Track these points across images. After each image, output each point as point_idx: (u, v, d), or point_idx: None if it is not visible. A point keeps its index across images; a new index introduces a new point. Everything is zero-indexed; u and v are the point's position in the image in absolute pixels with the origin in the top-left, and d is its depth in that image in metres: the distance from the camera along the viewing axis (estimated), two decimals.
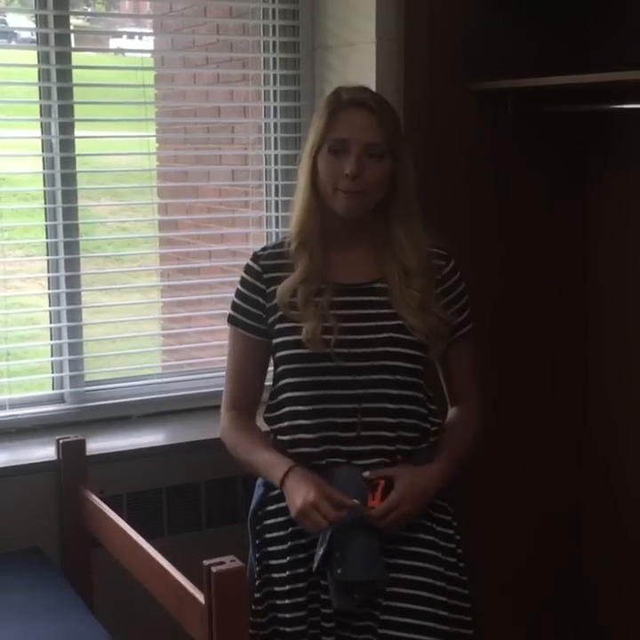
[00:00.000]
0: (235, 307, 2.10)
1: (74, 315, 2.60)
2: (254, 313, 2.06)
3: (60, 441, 2.36)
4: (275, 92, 2.80)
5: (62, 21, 2.51)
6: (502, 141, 2.70)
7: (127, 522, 2.18)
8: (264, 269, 2.06)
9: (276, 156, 2.82)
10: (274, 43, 2.78)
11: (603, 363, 2.85)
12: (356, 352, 1.95)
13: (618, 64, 2.42)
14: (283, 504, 1.97)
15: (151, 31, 3.15)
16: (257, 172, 2.84)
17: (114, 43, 3.37)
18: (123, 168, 3.02)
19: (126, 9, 3.38)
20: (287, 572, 2.00)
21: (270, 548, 2.04)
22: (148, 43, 3.31)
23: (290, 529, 1.99)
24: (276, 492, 2.01)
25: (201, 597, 1.78)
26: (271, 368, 2.12)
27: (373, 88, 2.57)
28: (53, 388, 2.64)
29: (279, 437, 2.03)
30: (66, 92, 2.53)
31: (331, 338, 1.94)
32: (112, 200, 3.26)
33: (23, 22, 3.00)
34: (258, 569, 2.07)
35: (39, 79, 2.53)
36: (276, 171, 2.82)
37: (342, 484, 1.92)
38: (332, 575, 1.91)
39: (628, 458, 2.78)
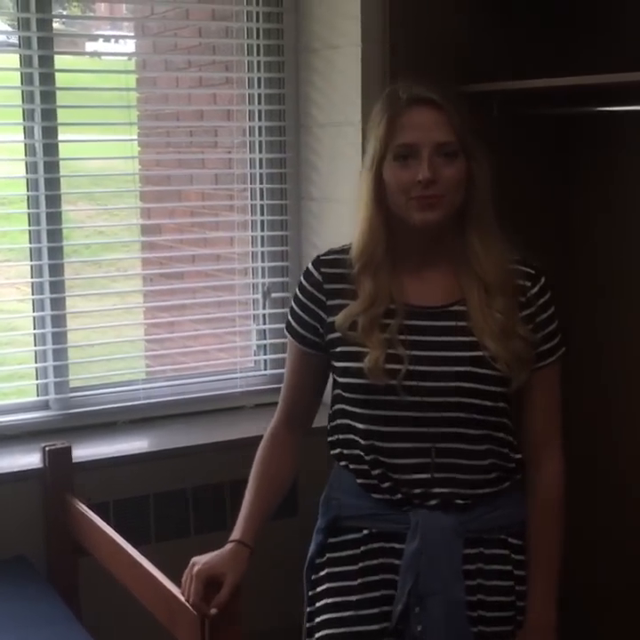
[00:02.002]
0: (292, 313, 1.89)
1: (58, 320, 2.57)
2: (310, 324, 1.85)
3: (46, 448, 2.33)
4: (259, 95, 2.78)
5: (44, 25, 2.49)
6: (488, 144, 2.68)
7: (114, 529, 2.16)
8: (325, 279, 1.83)
9: (260, 159, 2.80)
10: (258, 46, 2.76)
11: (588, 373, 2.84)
12: (428, 386, 1.72)
13: (603, 67, 2.42)
14: (348, 552, 1.81)
15: (132, 34, 3.12)
16: (241, 176, 2.82)
17: (92, 46, 3.35)
18: (105, 172, 3.00)
19: (102, 11, 3.35)
20: (355, 628, 1.78)
21: (329, 600, 1.81)
22: (130, 46, 3.29)
23: (358, 580, 1.78)
24: (338, 539, 1.83)
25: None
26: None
27: (358, 91, 2.58)
28: (38, 395, 2.61)
29: (341, 463, 1.85)
30: (49, 96, 2.50)
31: (399, 368, 1.72)
32: (92, 204, 3.24)
33: (1, 26, 2.97)
34: (308, 626, 1.86)
35: (22, 83, 2.50)
36: (260, 174, 2.80)
37: (424, 531, 1.74)
38: (411, 634, 1.74)
39: (603, 446, 2.78)
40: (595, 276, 2.82)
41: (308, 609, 1.87)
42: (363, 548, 1.80)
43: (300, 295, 1.87)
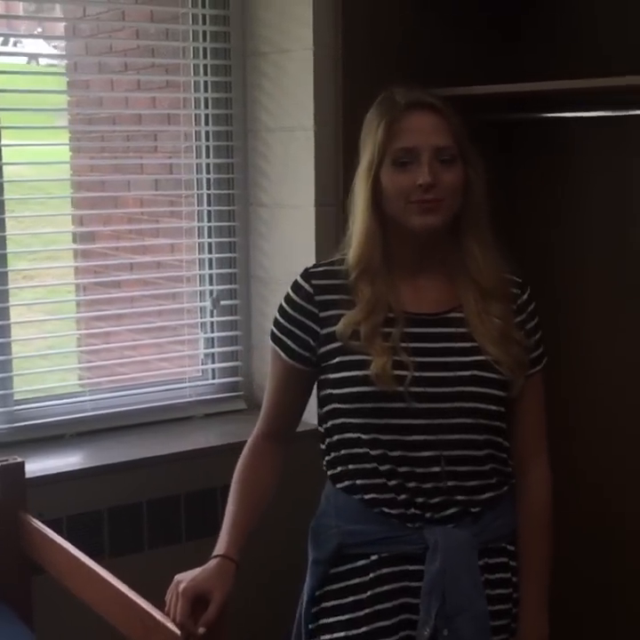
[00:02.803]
0: (278, 325, 1.83)
1: (2, 330, 2.47)
2: (301, 338, 1.79)
3: None
4: (206, 99, 2.73)
5: None
6: None
7: None
8: (316, 290, 1.79)
9: (207, 164, 2.75)
10: (204, 49, 2.71)
11: None
12: (435, 392, 1.70)
13: (547, 73, 2.46)
14: (355, 580, 1.75)
15: (63, 35, 3.02)
16: (187, 181, 2.76)
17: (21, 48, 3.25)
18: (33, 178, 2.91)
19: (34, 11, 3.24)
20: None
21: (336, 635, 1.75)
22: (59, 47, 3.19)
23: (366, 610, 1.72)
24: (342, 568, 1.76)
25: (174, 627, 1.66)
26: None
27: (310, 95, 2.56)
28: None
29: (337, 485, 1.80)
30: None
31: (405, 374, 1.69)
32: (23, 211, 3.14)
33: None
34: None
35: None
36: (207, 179, 2.75)
37: (445, 550, 1.69)
38: None
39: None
40: (545, 282, 2.85)
41: None
42: (372, 575, 1.74)
43: (288, 308, 1.82)
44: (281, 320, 1.83)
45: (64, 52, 3.15)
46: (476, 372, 1.72)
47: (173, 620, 1.64)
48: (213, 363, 2.80)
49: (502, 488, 1.79)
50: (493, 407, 1.74)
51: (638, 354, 2.67)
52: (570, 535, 2.79)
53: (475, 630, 1.69)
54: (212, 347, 2.80)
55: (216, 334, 2.79)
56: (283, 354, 1.82)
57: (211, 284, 2.78)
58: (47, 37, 3.18)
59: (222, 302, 2.77)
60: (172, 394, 2.74)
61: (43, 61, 3.19)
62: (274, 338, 1.84)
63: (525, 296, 1.84)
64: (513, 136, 2.84)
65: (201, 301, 2.78)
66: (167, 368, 2.82)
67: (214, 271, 2.78)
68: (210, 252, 2.77)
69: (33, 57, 3.26)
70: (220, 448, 2.52)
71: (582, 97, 2.54)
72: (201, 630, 1.62)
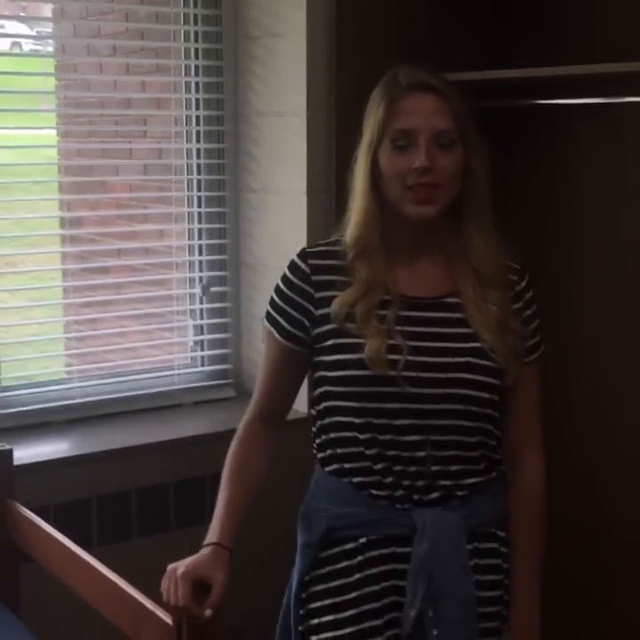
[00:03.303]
0: (274, 305, 1.81)
1: None
2: (296, 318, 1.77)
3: None
4: (197, 83, 2.69)
5: None
6: None
7: None
8: (313, 270, 1.77)
9: (197, 149, 2.71)
10: (195, 32, 2.68)
11: None
12: (428, 377, 1.69)
13: (540, 60, 2.45)
14: (343, 564, 1.74)
15: (50, 17, 2.98)
16: (178, 167, 2.73)
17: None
18: (20, 161, 2.87)
19: None
20: None
21: (324, 619, 1.75)
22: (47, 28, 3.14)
23: (353, 594, 1.72)
24: (331, 551, 1.75)
25: (165, 617, 1.64)
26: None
27: (302, 80, 2.53)
28: None
29: (326, 469, 1.79)
30: None
31: (399, 359, 1.67)
32: (6, 196, 3.09)
33: None
34: None
35: None
36: (198, 165, 2.71)
37: (433, 532, 1.69)
38: (424, 639, 1.68)
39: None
40: (536, 269, 2.83)
41: (301, 628, 1.79)
42: (360, 558, 1.73)
43: (284, 288, 1.80)
44: (276, 299, 1.81)
45: (51, 34, 3.10)
46: (470, 359, 1.71)
47: (175, 605, 1.60)
48: (203, 350, 2.78)
49: (490, 474, 1.78)
50: (486, 395, 1.72)
51: (630, 344, 2.66)
52: (562, 530, 2.80)
53: (460, 614, 1.68)
54: (202, 334, 2.77)
55: (205, 321, 2.77)
56: (277, 334, 1.80)
57: (200, 270, 2.75)
58: (35, 19, 3.13)
59: (212, 289, 2.74)
60: (160, 381, 2.72)
61: (29, 44, 3.14)
62: (268, 317, 1.82)
63: (524, 283, 1.82)
64: (508, 122, 2.82)
65: (190, 288, 2.75)
66: (156, 355, 2.79)
67: (204, 257, 2.75)
68: (199, 238, 2.74)
69: (19, 39, 3.22)
70: (209, 436, 2.50)
71: (575, 83, 2.53)
72: (208, 612, 1.58)
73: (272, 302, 1.82)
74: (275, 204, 2.66)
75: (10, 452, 2.21)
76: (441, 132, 1.68)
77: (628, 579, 2.72)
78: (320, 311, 1.75)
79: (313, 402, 1.81)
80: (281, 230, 2.64)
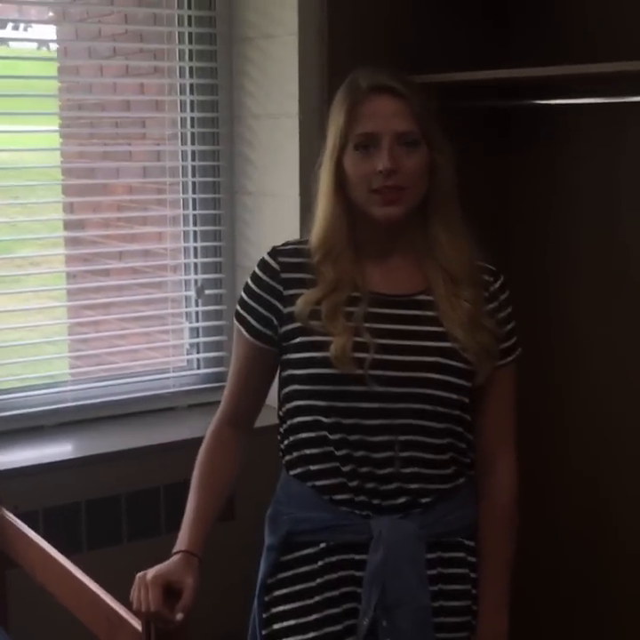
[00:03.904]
0: (242, 304, 1.79)
1: None
2: (264, 316, 1.76)
3: None
4: (191, 85, 2.68)
5: None
6: None
7: (44, 538, 2.04)
8: (282, 268, 1.75)
9: (192, 151, 2.71)
10: (190, 34, 2.67)
11: None
12: (395, 376, 1.67)
13: (543, 59, 2.41)
14: (304, 568, 1.73)
15: (53, 20, 2.99)
16: (172, 169, 2.72)
17: (7, 32, 3.21)
18: (23, 164, 2.87)
19: None
20: None
21: (286, 624, 1.73)
22: (50, 33, 3.16)
23: (315, 598, 1.71)
24: (292, 556, 1.74)
25: (137, 624, 1.64)
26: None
27: (295, 82, 2.51)
28: None
29: (290, 472, 1.78)
30: None
31: (365, 357, 1.65)
32: (9, 199, 3.11)
33: None
34: None
35: None
36: (192, 167, 2.71)
37: (388, 541, 1.67)
38: None
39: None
40: (533, 270, 2.80)
41: (264, 632, 1.77)
42: (320, 563, 1.72)
43: (253, 286, 1.78)
44: (245, 297, 1.80)
45: (54, 38, 3.11)
46: (439, 359, 1.68)
47: (146, 611, 1.59)
48: (198, 353, 2.77)
49: (458, 479, 1.75)
50: (454, 396, 1.69)
51: (629, 343, 2.62)
52: (563, 533, 2.77)
53: (413, 624, 1.66)
54: (197, 336, 2.76)
55: (201, 324, 2.76)
56: (245, 332, 1.78)
57: (196, 273, 2.74)
58: (37, 22, 3.14)
59: (207, 291, 2.74)
60: (155, 384, 2.71)
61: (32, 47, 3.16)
62: (237, 316, 1.81)
63: (498, 284, 1.79)
64: (509, 123, 2.79)
65: (186, 290, 2.74)
66: (151, 358, 2.79)
67: (199, 260, 2.74)
68: (195, 240, 2.73)
69: (23, 42, 3.23)
70: (202, 439, 2.48)
71: (573, 84, 2.50)
72: (179, 616, 1.58)
73: (241, 300, 1.81)
74: (270, 207, 2.64)
75: None
76: (403, 133, 1.67)
77: (628, 588, 2.68)
78: (288, 309, 1.73)
79: (281, 402, 1.79)
80: (276, 233, 2.60)
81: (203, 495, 1.77)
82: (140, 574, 1.64)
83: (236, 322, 1.82)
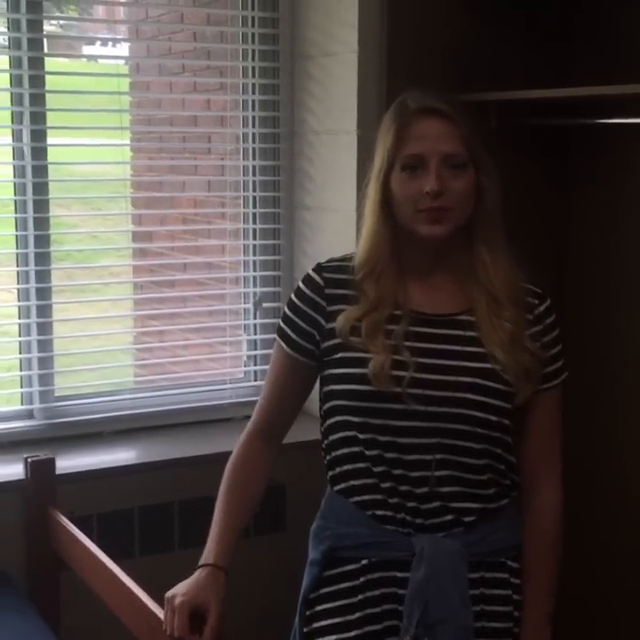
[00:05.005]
0: (285, 319, 1.82)
1: (44, 327, 2.52)
2: (306, 331, 1.78)
3: (29, 459, 2.27)
4: (253, 101, 2.73)
5: (35, 26, 2.44)
6: None
7: (97, 543, 2.11)
8: (327, 283, 1.78)
9: (253, 166, 2.75)
10: (253, 51, 2.72)
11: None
12: (433, 395, 1.67)
13: (600, 78, 2.39)
14: (346, 584, 1.73)
15: (126, 37, 3.07)
16: (234, 183, 2.77)
17: (87, 49, 3.30)
18: (96, 177, 2.96)
19: (100, 15, 3.30)
20: None
21: (327, 639, 1.73)
22: (123, 49, 3.25)
23: (357, 614, 1.71)
24: (334, 571, 1.74)
25: None
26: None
27: (354, 98, 2.54)
28: (22, 404, 2.55)
29: (335, 488, 1.79)
30: (38, 99, 2.45)
31: (404, 375, 1.66)
32: (83, 209, 3.19)
33: None
34: None
35: (11, 85, 2.45)
36: (253, 182, 2.75)
37: (431, 559, 1.67)
38: None
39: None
40: (591, 285, 2.78)
41: None
42: (362, 579, 1.72)
43: (296, 301, 1.81)
44: (288, 312, 1.82)
45: (127, 54, 3.19)
46: (478, 380, 1.68)
47: (171, 635, 1.65)
48: (255, 365, 2.81)
49: (501, 500, 1.74)
50: (493, 417, 1.69)
51: None
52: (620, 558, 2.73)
53: None
54: (255, 349, 2.80)
55: (258, 336, 2.80)
56: (284, 345, 1.81)
57: (254, 286, 2.78)
58: (114, 40, 3.23)
59: (265, 305, 2.78)
60: (213, 394, 2.76)
61: (104, 62, 3.24)
62: (278, 329, 1.84)
63: (543, 308, 1.78)
64: (570, 142, 2.77)
65: (244, 303, 2.79)
66: (211, 368, 2.84)
67: (258, 273, 2.78)
68: (254, 254, 2.78)
69: (96, 58, 3.32)
70: None
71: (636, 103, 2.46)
72: None
73: (283, 314, 1.84)
74: (328, 222, 2.67)
75: (52, 461, 2.29)
76: (450, 155, 1.68)
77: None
78: (330, 324, 1.75)
79: (322, 417, 1.81)
80: (334, 247, 2.63)
81: (230, 507, 1.80)
82: (168, 596, 1.69)
83: (276, 335, 1.84)
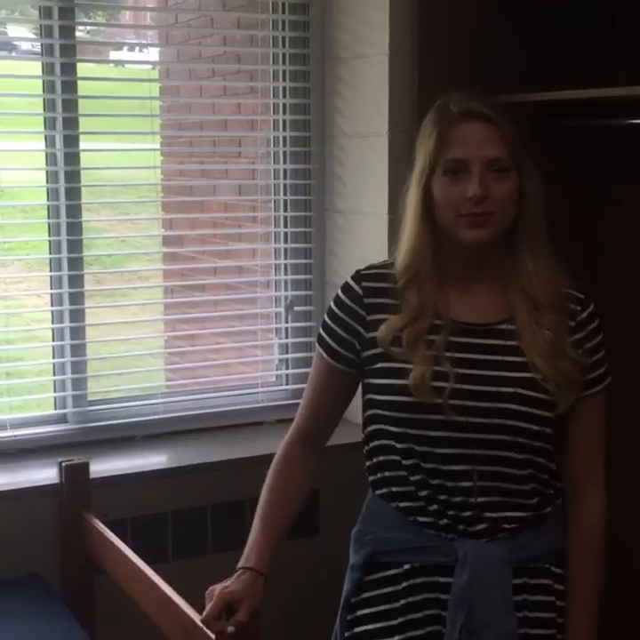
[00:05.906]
0: (325, 327, 1.80)
1: (77, 332, 2.53)
2: (346, 340, 1.76)
3: (63, 463, 2.28)
4: (284, 105, 2.73)
5: (67, 32, 2.45)
6: None
7: (131, 547, 2.11)
8: (366, 293, 1.76)
9: (284, 170, 2.75)
10: (283, 54, 2.72)
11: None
12: (474, 406, 1.65)
13: (633, 78, 2.36)
14: (388, 589, 1.72)
15: (156, 42, 3.08)
16: (265, 187, 2.78)
17: (117, 54, 3.33)
18: (127, 182, 2.97)
19: (128, 20, 3.31)
20: None
21: None
22: (153, 54, 3.26)
23: (398, 619, 1.69)
24: (376, 576, 1.73)
25: (210, 633, 1.69)
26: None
27: (385, 101, 2.53)
28: (56, 408, 2.56)
29: (376, 492, 1.77)
30: (71, 104, 2.46)
31: (445, 386, 1.65)
32: (113, 214, 3.21)
33: (22, 33, 2.94)
34: None
35: (43, 91, 2.46)
36: (284, 185, 2.75)
37: (474, 564, 1.65)
38: None
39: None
40: (626, 288, 2.75)
41: None
42: (405, 584, 1.70)
43: (336, 310, 1.79)
44: (327, 320, 1.81)
45: (157, 59, 3.21)
46: (519, 390, 1.66)
47: (202, 621, 1.65)
48: (287, 368, 2.81)
49: (544, 509, 1.72)
50: (535, 427, 1.67)
51: None
52: None
53: None
54: (286, 352, 2.80)
55: (290, 340, 2.80)
56: (324, 353, 1.80)
57: (285, 289, 2.78)
58: (144, 45, 3.25)
59: (296, 308, 2.77)
60: (245, 398, 2.76)
61: (134, 67, 3.26)
62: (319, 338, 1.82)
63: (586, 313, 1.75)
64: (607, 142, 2.75)
65: (276, 307, 2.79)
66: (243, 372, 2.84)
67: (289, 277, 2.78)
68: (285, 257, 2.78)
69: (126, 63, 3.35)
70: None
71: None
72: (230, 629, 1.61)
73: (323, 323, 1.82)
74: (359, 225, 2.66)
75: (86, 465, 2.30)
76: (493, 160, 1.65)
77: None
78: (371, 334, 1.73)
79: (363, 424, 1.80)
80: (365, 251, 2.64)
81: (271, 514, 1.78)
82: (210, 588, 1.68)
83: (317, 343, 1.83)
